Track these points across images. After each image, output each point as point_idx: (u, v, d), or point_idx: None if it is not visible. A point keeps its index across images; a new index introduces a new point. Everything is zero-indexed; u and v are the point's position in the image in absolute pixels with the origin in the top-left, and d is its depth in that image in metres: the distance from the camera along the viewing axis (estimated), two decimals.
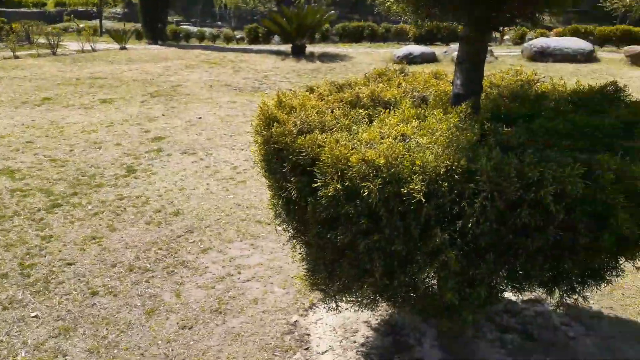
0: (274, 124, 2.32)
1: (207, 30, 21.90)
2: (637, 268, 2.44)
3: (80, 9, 29.05)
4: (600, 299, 3.41)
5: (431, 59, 12.59)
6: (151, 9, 17.76)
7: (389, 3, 2.44)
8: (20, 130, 7.42)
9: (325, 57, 14.37)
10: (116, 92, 10.13)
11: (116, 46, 16.76)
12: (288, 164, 2.24)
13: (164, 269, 3.79)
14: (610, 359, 2.85)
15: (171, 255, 3.99)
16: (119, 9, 33.51)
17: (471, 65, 2.78)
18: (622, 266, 2.36)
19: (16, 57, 14.08)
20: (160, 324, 3.15)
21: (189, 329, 3.11)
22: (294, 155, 2.20)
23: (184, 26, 27.56)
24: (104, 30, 23.78)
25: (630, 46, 12.33)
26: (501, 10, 2.42)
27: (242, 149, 6.77)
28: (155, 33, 18.33)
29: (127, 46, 16.76)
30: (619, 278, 2.37)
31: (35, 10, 32.81)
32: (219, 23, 30.39)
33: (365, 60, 14.16)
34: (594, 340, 2.99)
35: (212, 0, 23.05)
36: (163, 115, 8.51)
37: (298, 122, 2.37)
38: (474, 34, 2.67)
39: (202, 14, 31.51)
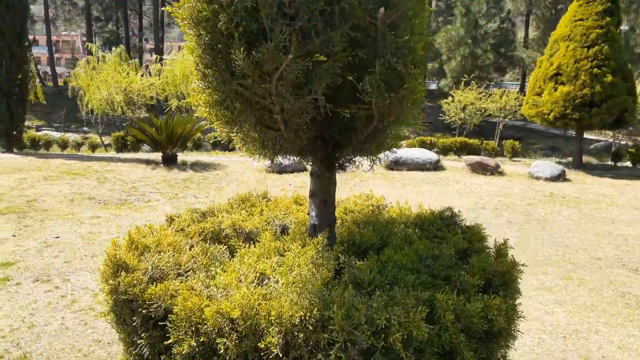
0: (122, 272, 2.20)
1: (72, 136, 20.88)
2: None
3: None
4: None
5: (301, 168, 13.26)
6: (6, 112, 16.52)
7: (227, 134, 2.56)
8: None
9: (198, 166, 14.37)
10: None
11: None
12: (138, 317, 2.11)
13: None
14: None
15: None
16: None
17: (323, 197, 2.97)
18: None
19: None
20: None
21: None
22: (145, 307, 2.08)
23: (46, 131, 25.94)
24: None
25: (469, 156, 14.25)
26: (342, 152, 2.67)
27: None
28: (10, 140, 16.94)
29: None
30: None
31: None
32: (85, 129, 29.23)
33: (238, 169, 14.41)
34: None
35: (77, 104, 22.22)
36: (14, 236, 7.65)
37: (150, 268, 2.27)
38: (321, 171, 2.89)
39: (66, 120, 30.13)
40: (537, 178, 12.93)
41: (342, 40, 1.89)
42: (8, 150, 16.99)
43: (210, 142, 19.93)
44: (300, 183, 11.90)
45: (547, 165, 13.35)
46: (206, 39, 1.98)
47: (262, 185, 11.50)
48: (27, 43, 17.46)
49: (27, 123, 22.92)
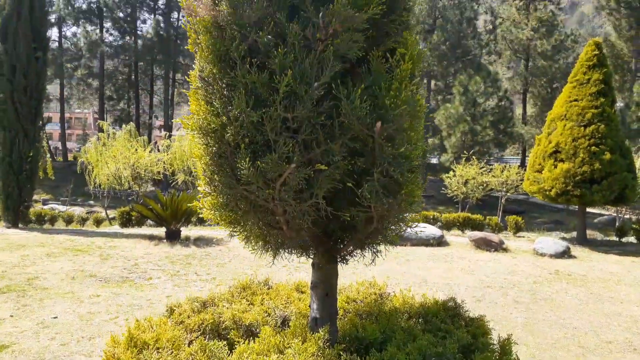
0: None
1: (77, 210, 21.10)
2: None
3: None
4: None
5: None
6: (15, 189, 16.83)
7: (239, 235, 2.65)
8: None
9: (201, 241, 14.37)
10: None
11: None
12: None
13: None
14: None
15: None
16: None
17: (325, 289, 2.99)
18: None
19: None
20: None
21: None
22: None
23: (52, 205, 26.24)
24: None
25: (473, 232, 14.25)
26: (344, 246, 2.74)
27: (101, 356, 6.12)
28: (17, 216, 17.11)
29: None
30: None
31: None
32: (92, 202, 29.54)
33: (240, 244, 14.39)
34: None
35: (84, 178, 22.67)
36: (11, 316, 7.54)
37: None
38: (323, 263, 2.94)
39: (73, 193, 30.56)
40: (542, 255, 12.83)
41: (342, 150, 2.02)
42: (14, 225, 17.13)
43: None
44: (303, 259, 11.84)
45: (552, 242, 13.29)
46: (214, 148, 2.12)
47: (262, 261, 11.45)
48: (41, 122, 18.14)
49: (34, 196, 23.23)
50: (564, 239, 16.07)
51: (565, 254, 12.89)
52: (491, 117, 29.71)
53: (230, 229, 2.59)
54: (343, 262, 2.89)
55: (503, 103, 30.84)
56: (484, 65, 33.24)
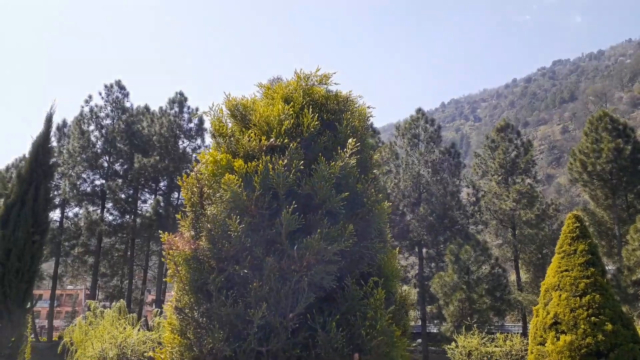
0: None
1: None
2: None
3: None
4: None
5: None
6: None
7: None
8: None
9: None
10: None
11: None
12: None
13: None
14: None
15: None
16: None
17: None
18: None
19: None
20: None
21: None
22: None
23: None
24: None
25: None
26: None
27: None
28: None
29: None
30: None
31: None
32: None
33: None
34: None
35: None
36: None
37: None
38: None
39: None
40: None
41: None
42: None
43: None
44: None
45: None
46: None
47: None
48: (29, 304, 17.72)
49: None
50: None
51: None
52: (486, 284, 29.45)
53: None
54: None
55: (496, 270, 30.85)
56: (471, 235, 34.09)
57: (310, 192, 2.58)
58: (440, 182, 34.93)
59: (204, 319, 2.29)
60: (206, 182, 2.73)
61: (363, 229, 2.56)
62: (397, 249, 3.28)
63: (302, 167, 2.67)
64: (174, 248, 2.40)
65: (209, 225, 2.45)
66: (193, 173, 2.91)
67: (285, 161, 2.61)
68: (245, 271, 2.28)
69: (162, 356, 2.17)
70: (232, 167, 2.65)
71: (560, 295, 15.23)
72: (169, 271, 2.44)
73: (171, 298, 2.45)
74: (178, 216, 3.08)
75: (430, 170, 35.86)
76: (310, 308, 2.26)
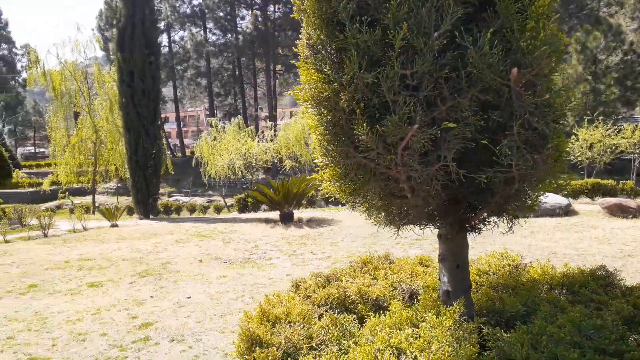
0: (257, 348, 2.22)
1: (199, 200, 22.68)
2: None
3: (75, 186, 30.30)
4: None
5: None
6: (143, 184, 18.50)
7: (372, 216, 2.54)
8: (1, 325, 7.08)
9: (313, 222, 14.68)
10: (105, 274, 9.98)
11: (107, 223, 17.08)
12: None
13: None
14: None
15: None
16: (112, 184, 34.96)
17: (455, 261, 2.78)
18: None
19: (6, 242, 14.15)
20: None
21: None
22: None
23: (176, 197, 28.48)
24: (97, 205, 24.51)
25: (605, 198, 12.89)
26: (476, 214, 2.51)
27: (233, 332, 6.46)
28: (147, 208, 18.83)
29: (118, 223, 17.08)
30: None
31: (30, 189, 34.08)
32: (210, 192, 31.62)
33: (352, 223, 14.46)
34: None
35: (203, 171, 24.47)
36: (151, 297, 8.26)
37: (283, 343, 2.26)
38: (452, 234, 2.73)
39: (193, 185, 32.93)
40: None
41: (472, 104, 1.80)
42: (145, 216, 18.85)
43: (323, 198, 20.40)
44: (419, 234, 11.57)
45: None
46: (328, 117, 2.01)
47: (375, 239, 11.38)
48: (159, 122, 19.68)
49: (160, 190, 25.39)
50: None
51: None
52: (616, 73, 26.59)
53: (351, 201, 2.49)
54: (474, 232, 2.66)
55: (629, 57, 27.42)
56: (603, 19, 29.75)
57: None
58: None
59: (339, 53, 2.13)
60: None
61: None
62: None
63: None
64: None
65: None
66: None
67: None
68: None
69: (301, 94, 2.11)
70: None
71: None
72: (294, 7, 2.26)
73: (301, 38, 2.31)
74: None
75: None
76: (457, 27, 1.99)
